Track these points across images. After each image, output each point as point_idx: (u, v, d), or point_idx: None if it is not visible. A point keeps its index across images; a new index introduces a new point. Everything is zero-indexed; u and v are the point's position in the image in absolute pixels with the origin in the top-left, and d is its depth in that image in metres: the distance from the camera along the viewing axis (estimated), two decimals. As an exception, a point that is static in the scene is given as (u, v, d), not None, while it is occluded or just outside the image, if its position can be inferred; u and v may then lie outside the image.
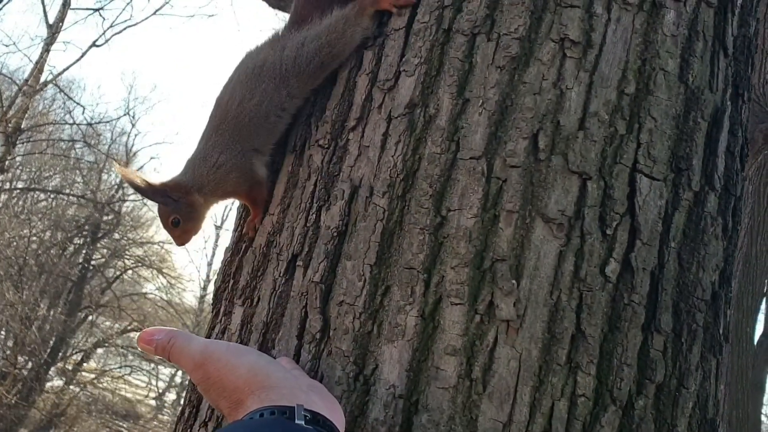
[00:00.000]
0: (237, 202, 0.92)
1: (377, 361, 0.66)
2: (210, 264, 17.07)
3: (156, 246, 16.76)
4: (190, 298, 17.83)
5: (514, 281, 0.66)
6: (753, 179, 3.05)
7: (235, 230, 0.90)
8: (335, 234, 0.73)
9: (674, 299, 0.69)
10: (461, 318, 0.66)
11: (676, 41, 0.75)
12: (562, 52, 0.72)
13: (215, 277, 0.90)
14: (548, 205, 0.68)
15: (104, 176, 16.34)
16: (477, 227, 0.68)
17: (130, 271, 16.83)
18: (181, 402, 0.86)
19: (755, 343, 5.52)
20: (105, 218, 15.51)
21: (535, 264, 0.67)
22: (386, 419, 0.64)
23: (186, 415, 0.82)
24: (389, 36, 0.79)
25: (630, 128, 0.71)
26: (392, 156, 0.73)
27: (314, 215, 0.76)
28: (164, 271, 16.54)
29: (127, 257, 16.50)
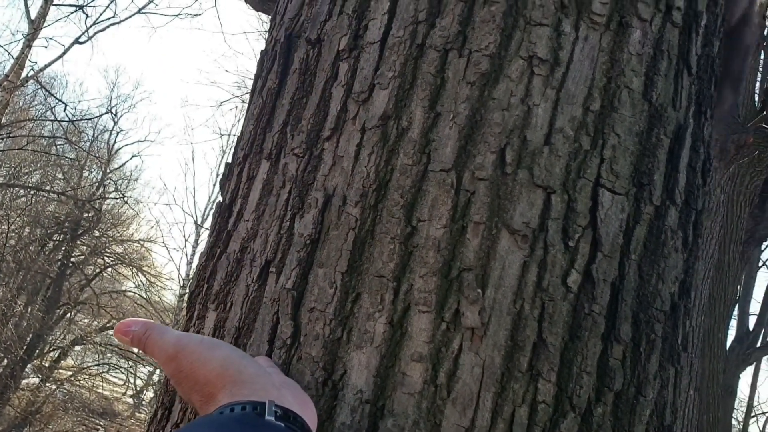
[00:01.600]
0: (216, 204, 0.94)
1: (346, 367, 0.68)
2: (190, 263, 17.00)
3: (136, 244, 16.67)
4: (169, 296, 17.74)
5: (479, 290, 0.68)
6: (725, 188, 3.12)
7: (210, 235, 0.91)
8: (308, 242, 0.75)
9: (634, 310, 0.72)
10: (428, 325, 0.68)
11: (641, 60, 0.77)
12: (530, 70, 0.74)
13: (190, 280, 0.91)
14: (514, 217, 0.70)
15: (85, 173, 16.20)
16: (446, 237, 0.70)
17: (109, 269, 16.73)
18: (156, 403, 0.87)
19: (727, 348, 5.62)
20: (85, 215, 15.37)
21: (500, 274, 0.69)
22: (353, 423, 0.66)
23: (158, 416, 0.84)
24: (364, 49, 0.81)
25: (594, 144, 0.74)
26: (365, 166, 0.75)
27: (288, 223, 0.78)
28: (144, 269, 16.46)
29: (107, 255, 16.40)
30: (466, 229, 0.70)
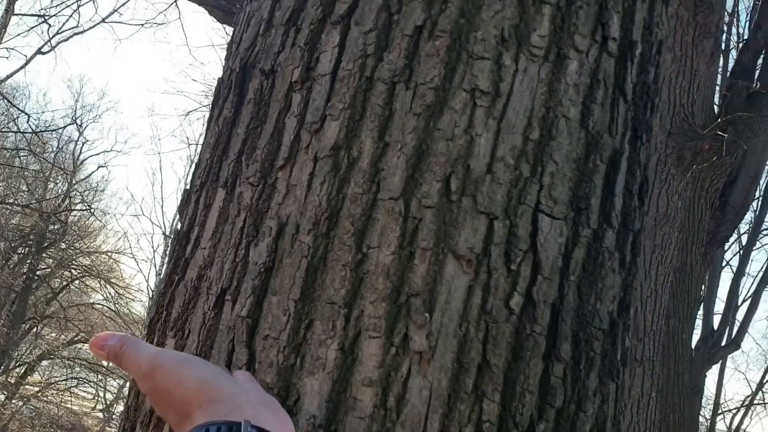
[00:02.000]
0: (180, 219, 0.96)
1: (299, 393, 0.71)
2: (159, 274, 16.80)
3: (103, 256, 16.42)
4: (138, 308, 17.51)
5: (427, 314, 0.71)
6: (683, 194, 3.21)
7: (168, 262, 0.93)
8: (262, 270, 0.77)
9: (573, 329, 0.76)
10: (378, 350, 0.70)
11: (578, 89, 0.82)
12: (473, 101, 0.78)
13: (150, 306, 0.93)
14: (459, 243, 0.74)
15: (50, 185, 15.95)
16: (394, 264, 0.73)
17: (76, 281, 16.46)
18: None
19: (693, 348, 5.74)
20: (51, 228, 15.11)
21: (447, 298, 0.72)
22: (306, 447, 0.68)
23: (119, 443, 0.85)
24: (316, 81, 0.83)
25: (533, 171, 0.77)
26: (318, 195, 0.78)
27: (243, 251, 0.80)
28: (112, 280, 16.23)
29: (74, 267, 16.14)
30: (414, 255, 0.73)
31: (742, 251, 10.17)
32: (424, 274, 0.73)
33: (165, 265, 0.94)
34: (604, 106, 0.83)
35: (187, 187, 0.99)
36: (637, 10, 0.88)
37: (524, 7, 0.80)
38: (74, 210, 16.02)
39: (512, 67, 0.79)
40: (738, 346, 8.33)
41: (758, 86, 5.05)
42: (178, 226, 0.95)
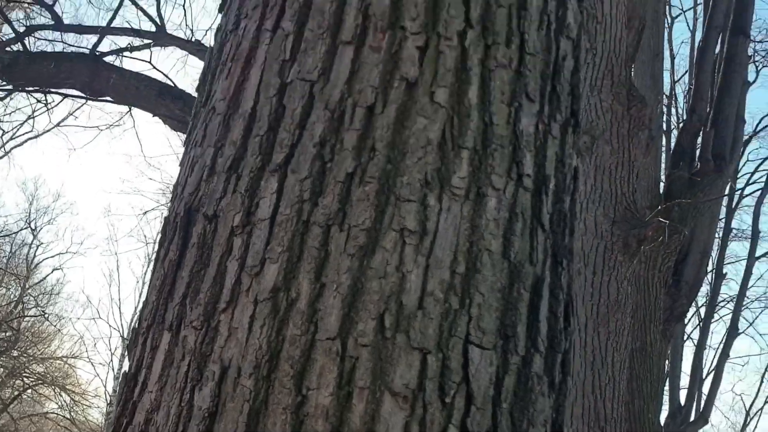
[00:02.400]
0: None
1: None
2: (117, 378, 16.18)
3: (58, 362, 15.81)
4: (95, 414, 16.74)
5: (366, 453, 0.74)
6: (632, 280, 3.32)
7: (116, 404, 0.94)
8: (206, 415, 0.80)
9: (508, 456, 0.79)
10: (319, 493, 0.73)
11: (498, 224, 0.88)
12: (402, 240, 0.84)
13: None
14: (394, 380, 0.78)
15: (2, 291, 15.49)
16: (333, 404, 0.76)
17: (29, 390, 15.72)
18: None
19: (662, 424, 5.74)
20: (2, 335, 14.55)
21: (385, 435, 0.75)
22: None
23: None
24: (256, 225, 0.89)
25: (462, 303, 0.83)
26: (258, 338, 0.82)
27: (188, 395, 0.83)
28: (67, 387, 15.57)
29: (26, 375, 15.45)
30: (352, 395, 0.77)
31: (701, 324, 10.34)
32: (362, 414, 0.76)
33: (114, 407, 0.95)
34: (524, 237, 0.90)
35: (136, 326, 1.02)
36: (549, 147, 0.97)
37: (444, 152, 0.88)
38: (27, 316, 15.53)
39: (437, 207, 0.86)
40: (706, 421, 8.33)
41: (698, 167, 5.33)
42: (126, 368, 0.96)
